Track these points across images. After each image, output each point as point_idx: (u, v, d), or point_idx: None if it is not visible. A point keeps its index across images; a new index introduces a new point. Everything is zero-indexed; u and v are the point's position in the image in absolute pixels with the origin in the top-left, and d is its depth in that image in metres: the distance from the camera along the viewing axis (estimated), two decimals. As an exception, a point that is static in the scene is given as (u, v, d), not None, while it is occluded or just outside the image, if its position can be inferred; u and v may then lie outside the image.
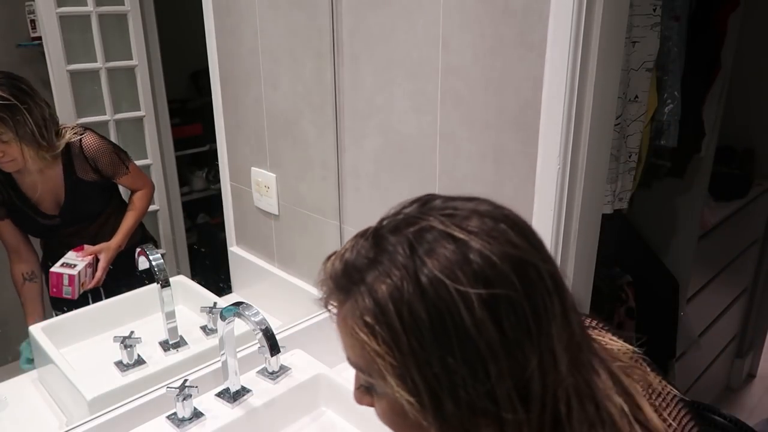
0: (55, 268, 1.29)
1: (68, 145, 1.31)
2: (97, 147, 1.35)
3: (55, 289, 1.29)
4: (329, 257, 0.57)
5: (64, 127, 1.31)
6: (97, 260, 1.35)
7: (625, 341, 0.69)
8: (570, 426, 0.52)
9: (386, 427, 0.58)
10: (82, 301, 1.37)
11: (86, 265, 1.32)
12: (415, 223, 0.53)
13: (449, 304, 0.48)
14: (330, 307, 0.56)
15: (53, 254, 1.36)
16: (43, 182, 1.32)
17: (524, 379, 0.50)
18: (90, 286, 1.33)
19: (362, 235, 0.56)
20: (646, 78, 1.41)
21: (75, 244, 1.35)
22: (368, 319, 0.51)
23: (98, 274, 1.34)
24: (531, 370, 0.49)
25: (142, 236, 1.50)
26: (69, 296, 1.30)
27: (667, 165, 1.70)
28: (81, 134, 1.33)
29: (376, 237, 0.54)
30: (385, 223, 0.55)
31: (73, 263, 1.31)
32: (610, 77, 0.99)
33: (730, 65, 1.83)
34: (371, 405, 0.60)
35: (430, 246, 0.50)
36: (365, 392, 0.59)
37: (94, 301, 1.40)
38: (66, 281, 1.29)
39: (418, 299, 0.49)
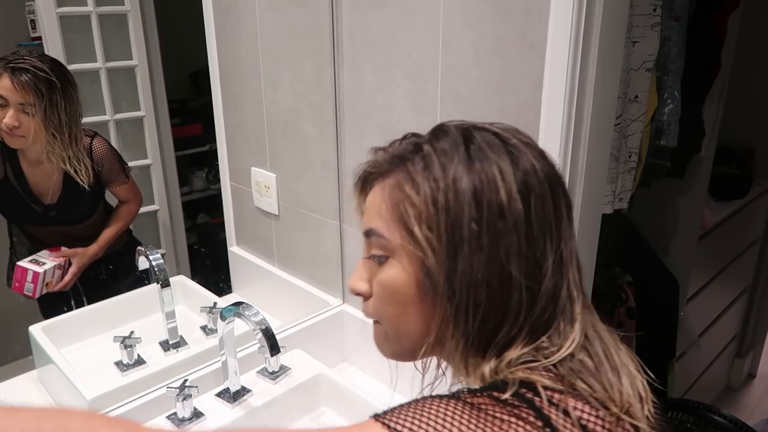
0: (23, 263, 1.26)
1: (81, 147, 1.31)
2: (105, 152, 1.35)
3: (17, 284, 1.25)
4: (378, 148, 0.65)
5: (83, 132, 1.32)
6: (70, 264, 1.34)
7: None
8: (557, 323, 0.57)
9: (381, 310, 0.61)
10: (72, 303, 1.38)
11: (55, 267, 1.29)
12: (468, 124, 0.63)
13: (490, 179, 0.56)
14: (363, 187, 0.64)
15: (32, 250, 1.34)
16: (45, 170, 1.31)
17: (534, 267, 0.56)
18: (56, 288, 1.31)
19: (414, 134, 0.66)
20: (646, 78, 1.41)
21: (55, 244, 1.34)
22: (417, 177, 0.58)
23: (67, 278, 1.32)
24: (545, 264, 0.56)
25: (128, 242, 1.47)
26: (29, 294, 1.26)
27: (667, 165, 1.70)
28: (92, 136, 1.34)
29: (436, 128, 0.64)
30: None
31: (42, 261, 1.28)
32: (610, 77, 0.99)
33: (730, 65, 1.83)
34: (366, 293, 0.62)
35: (483, 137, 0.59)
36: (372, 265, 0.61)
37: (90, 303, 1.40)
38: (29, 278, 1.25)
39: (464, 170, 0.56)
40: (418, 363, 0.69)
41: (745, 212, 2.37)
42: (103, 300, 1.39)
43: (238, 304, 1.08)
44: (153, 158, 1.53)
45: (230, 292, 1.71)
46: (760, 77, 2.38)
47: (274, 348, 1.07)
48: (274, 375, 1.24)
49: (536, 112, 0.98)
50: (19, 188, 1.30)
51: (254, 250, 1.67)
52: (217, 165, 1.65)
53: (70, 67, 1.30)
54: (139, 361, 1.23)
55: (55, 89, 1.21)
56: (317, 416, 1.26)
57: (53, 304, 1.36)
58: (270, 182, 1.53)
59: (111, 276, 1.43)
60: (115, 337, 1.22)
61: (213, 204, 1.71)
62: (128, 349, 1.22)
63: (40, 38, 1.27)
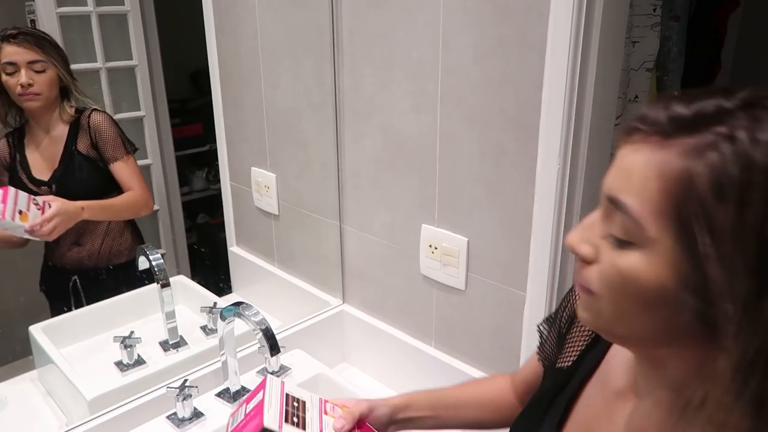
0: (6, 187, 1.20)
1: (79, 115, 1.32)
2: (102, 121, 1.34)
3: None
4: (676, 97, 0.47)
5: (86, 107, 1.34)
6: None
7: None
8: None
9: (604, 291, 0.50)
10: (79, 301, 1.38)
11: (30, 198, 1.20)
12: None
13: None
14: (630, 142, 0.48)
15: None
16: (46, 144, 1.32)
17: None
18: (37, 232, 1.20)
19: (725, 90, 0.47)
20: (646, 78, 1.41)
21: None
22: (725, 169, 0.41)
23: (46, 221, 1.21)
24: None
25: (131, 255, 1.45)
26: None
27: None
28: (95, 110, 1.35)
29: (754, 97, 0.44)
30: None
31: (24, 195, 1.19)
32: (610, 77, 0.99)
33: (730, 65, 1.83)
34: (590, 258, 0.50)
35: None
36: (618, 246, 0.48)
37: (78, 299, 1.40)
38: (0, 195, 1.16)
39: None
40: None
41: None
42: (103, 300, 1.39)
43: (238, 304, 1.08)
44: (153, 158, 1.53)
45: (230, 292, 1.71)
46: (760, 77, 2.38)
47: (274, 348, 1.07)
48: (274, 375, 1.24)
49: (536, 112, 0.98)
50: (19, 166, 1.32)
51: (254, 250, 1.67)
52: (217, 165, 1.65)
53: (71, 67, 1.30)
54: (139, 361, 1.23)
55: (55, 45, 1.26)
56: (317, 416, 1.26)
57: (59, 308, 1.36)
58: (270, 182, 1.53)
59: (115, 289, 1.42)
60: (115, 337, 1.22)
61: (213, 204, 1.71)
62: (128, 349, 1.22)
63: (40, 38, 1.27)
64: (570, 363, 0.69)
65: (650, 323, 0.49)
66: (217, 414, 1.13)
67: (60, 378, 1.18)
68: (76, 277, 1.39)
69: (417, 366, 1.29)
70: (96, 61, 1.38)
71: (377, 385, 1.39)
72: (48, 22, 1.27)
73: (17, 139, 1.31)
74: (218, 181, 1.67)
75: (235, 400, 1.16)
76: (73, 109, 1.31)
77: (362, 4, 1.21)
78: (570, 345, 0.70)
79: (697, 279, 0.44)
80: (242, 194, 1.63)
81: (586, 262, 0.51)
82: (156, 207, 1.56)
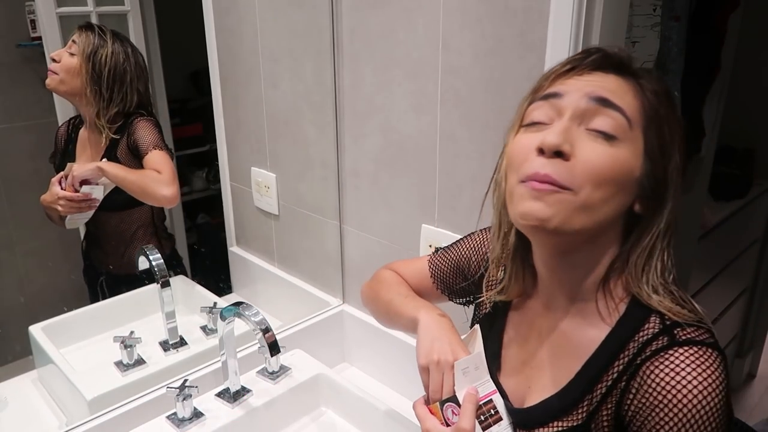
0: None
1: (125, 121, 1.32)
2: (143, 126, 1.33)
3: None
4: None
5: (138, 113, 1.34)
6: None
7: None
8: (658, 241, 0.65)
9: (592, 177, 0.61)
10: (82, 301, 1.37)
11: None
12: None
13: (671, 96, 0.66)
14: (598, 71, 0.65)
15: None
16: (93, 142, 1.33)
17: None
18: (61, 196, 1.26)
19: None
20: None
21: (99, 220, 1.34)
22: (656, 89, 0.65)
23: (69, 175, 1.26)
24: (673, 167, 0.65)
25: (170, 254, 1.48)
26: None
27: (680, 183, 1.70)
28: (143, 117, 1.34)
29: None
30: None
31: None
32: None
33: (730, 65, 1.83)
34: (569, 154, 0.61)
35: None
36: (579, 133, 0.62)
37: (93, 302, 1.40)
38: None
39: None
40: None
41: (745, 212, 2.37)
42: (105, 300, 1.39)
43: (238, 304, 1.07)
44: (153, 158, 1.53)
45: (230, 292, 1.71)
46: (760, 77, 2.38)
47: (274, 348, 1.07)
48: (274, 375, 1.24)
49: (536, 112, 0.98)
50: (68, 158, 1.33)
51: (254, 250, 1.67)
52: (217, 165, 1.65)
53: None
54: (139, 361, 1.23)
55: (104, 42, 1.27)
56: (317, 416, 1.26)
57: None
58: (270, 182, 1.53)
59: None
60: (115, 337, 1.22)
61: (213, 204, 1.71)
62: (128, 349, 1.22)
63: (40, 38, 1.27)
64: (489, 307, 0.82)
65: (611, 208, 0.62)
66: (217, 414, 1.13)
67: (60, 378, 1.18)
68: (103, 278, 1.41)
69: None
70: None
71: (377, 385, 1.39)
72: (48, 22, 1.27)
73: (74, 128, 1.33)
74: (218, 181, 1.66)
75: (235, 400, 1.16)
76: (118, 115, 1.31)
77: (362, 4, 1.21)
78: (490, 283, 0.81)
79: (655, 169, 0.63)
80: (242, 194, 1.63)
81: (566, 159, 0.61)
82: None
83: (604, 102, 0.62)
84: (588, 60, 0.65)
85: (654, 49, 1.40)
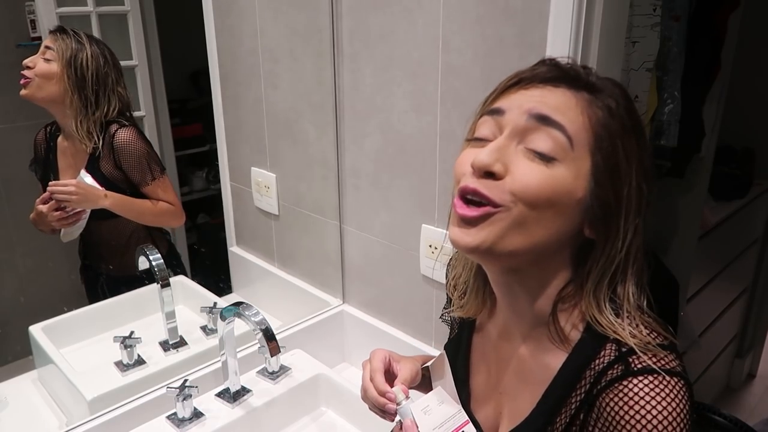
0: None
1: (105, 131, 1.29)
2: (126, 143, 1.29)
3: None
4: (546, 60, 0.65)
5: (116, 121, 1.30)
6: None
7: None
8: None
9: (524, 194, 0.58)
10: (82, 301, 1.38)
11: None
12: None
13: (634, 113, 0.62)
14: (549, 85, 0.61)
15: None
16: (73, 152, 1.30)
17: (634, 191, 0.60)
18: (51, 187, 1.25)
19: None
20: (646, 78, 1.41)
21: (92, 228, 1.33)
22: (611, 104, 0.60)
23: (65, 182, 1.26)
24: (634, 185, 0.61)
25: (167, 253, 1.46)
26: None
27: (667, 165, 1.70)
28: (122, 126, 1.30)
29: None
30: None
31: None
32: (610, 77, 0.99)
33: (730, 65, 1.83)
34: (501, 175, 0.58)
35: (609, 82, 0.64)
36: (514, 153, 0.59)
37: (92, 302, 1.40)
38: None
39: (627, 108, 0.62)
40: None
41: (745, 212, 2.37)
42: (104, 300, 1.39)
43: (238, 304, 1.08)
44: (153, 158, 1.53)
45: (230, 292, 1.71)
46: (760, 77, 2.38)
47: (274, 348, 1.07)
48: (274, 375, 1.24)
49: (536, 112, 0.98)
50: (50, 171, 1.31)
51: (254, 250, 1.67)
52: (217, 165, 1.65)
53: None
54: (139, 361, 1.23)
55: (82, 45, 1.24)
56: (317, 416, 1.26)
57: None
58: (270, 182, 1.53)
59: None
60: (115, 337, 1.22)
61: (213, 204, 1.71)
62: (128, 349, 1.22)
63: (40, 38, 1.27)
64: (456, 331, 0.81)
65: (550, 231, 0.59)
66: (217, 414, 1.13)
67: (60, 378, 1.18)
68: (103, 278, 1.41)
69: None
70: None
71: (377, 385, 1.39)
72: (48, 22, 1.27)
73: (51, 135, 1.30)
74: (218, 181, 1.66)
75: (235, 400, 1.16)
76: (97, 123, 1.28)
77: (362, 4, 1.21)
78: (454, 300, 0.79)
79: (603, 192, 0.59)
80: (242, 194, 1.63)
81: (497, 178, 0.58)
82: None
83: (543, 120, 0.58)
84: (536, 72, 0.62)
85: (654, 49, 1.40)
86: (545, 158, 0.58)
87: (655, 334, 0.60)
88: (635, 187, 0.60)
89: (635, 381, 0.56)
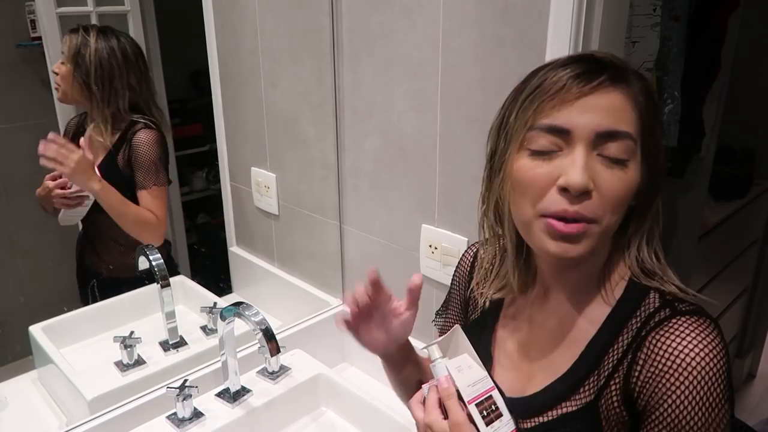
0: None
1: (129, 127, 1.31)
2: (143, 143, 1.32)
3: None
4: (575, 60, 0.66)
5: (143, 121, 1.32)
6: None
7: None
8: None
9: (613, 206, 0.63)
10: (83, 300, 1.38)
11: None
12: None
13: (650, 86, 0.67)
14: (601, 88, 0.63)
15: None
16: (96, 144, 1.32)
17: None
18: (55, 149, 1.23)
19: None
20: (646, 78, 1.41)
21: (95, 220, 1.34)
22: (643, 88, 0.65)
23: (68, 146, 1.23)
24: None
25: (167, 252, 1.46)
26: None
27: (667, 165, 1.70)
28: (147, 127, 1.32)
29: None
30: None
31: None
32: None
33: (730, 65, 1.83)
34: (592, 191, 0.61)
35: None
36: (596, 166, 0.62)
37: (93, 302, 1.40)
38: None
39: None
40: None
41: (745, 212, 2.37)
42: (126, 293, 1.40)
43: (238, 304, 1.08)
44: (153, 158, 1.53)
45: (230, 292, 1.71)
46: (760, 77, 2.38)
47: (274, 348, 1.07)
48: (274, 375, 1.24)
49: (536, 112, 0.98)
50: None
51: (254, 250, 1.67)
52: (217, 165, 1.65)
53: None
54: (139, 361, 1.23)
55: (87, 41, 1.26)
56: (317, 416, 1.26)
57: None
58: (270, 182, 1.53)
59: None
60: (115, 337, 1.22)
61: (213, 204, 1.71)
62: (128, 349, 1.22)
63: (40, 38, 1.27)
64: (479, 313, 0.83)
65: (621, 218, 0.65)
66: (217, 414, 1.13)
67: (60, 378, 1.18)
68: (95, 280, 1.41)
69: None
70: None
71: (377, 385, 1.39)
72: (48, 22, 1.27)
73: (82, 123, 1.33)
74: (218, 181, 1.66)
75: (235, 400, 1.16)
76: (118, 118, 1.30)
77: (362, 4, 1.21)
78: (473, 299, 0.84)
79: (652, 168, 0.65)
80: (242, 194, 1.63)
81: (590, 197, 0.62)
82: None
83: (612, 135, 0.62)
84: (583, 75, 0.63)
85: (654, 49, 1.40)
86: (621, 162, 0.62)
87: (680, 289, 0.67)
88: (663, 149, 0.67)
89: (683, 320, 0.62)
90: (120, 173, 1.32)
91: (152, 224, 1.35)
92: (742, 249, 2.50)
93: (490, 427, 0.69)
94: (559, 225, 0.62)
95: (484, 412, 0.69)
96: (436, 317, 0.94)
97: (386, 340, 0.83)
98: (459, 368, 0.72)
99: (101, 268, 1.41)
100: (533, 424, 0.70)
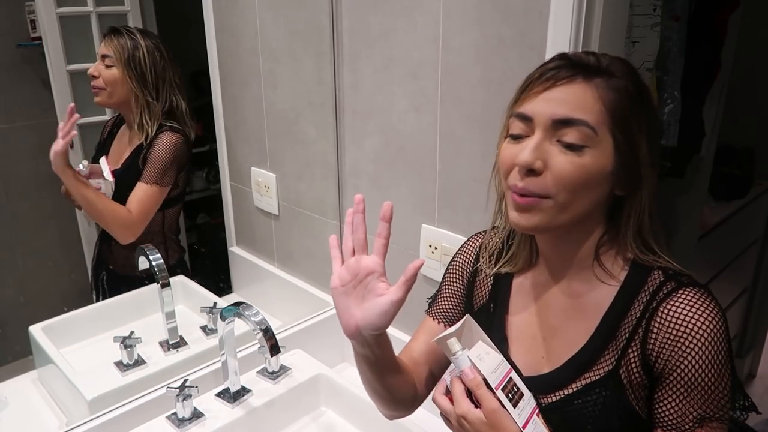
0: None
1: (157, 131, 1.34)
2: (163, 144, 1.34)
3: None
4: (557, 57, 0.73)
5: (169, 123, 1.36)
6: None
7: None
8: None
9: (564, 185, 0.68)
10: (82, 301, 1.38)
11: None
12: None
13: (640, 83, 0.72)
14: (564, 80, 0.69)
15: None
16: (125, 142, 1.36)
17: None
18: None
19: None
20: (647, 78, 1.41)
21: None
22: (619, 85, 0.69)
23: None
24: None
25: (179, 259, 1.48)
26: None
27: (667, 165, 1.70)
28: (172, 130, 1.35)
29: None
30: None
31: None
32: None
33: (730, 65, 1.83)
34: (540, 170, 0.68)
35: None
36: (549, 149, 0.69)
37: (104, 297, 1.40)
38: None
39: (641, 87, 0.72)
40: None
41: (745, 212, 2.37)
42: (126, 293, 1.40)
43: (238, 304, 1.08)
44: (153, 158, 1.53)
45: (230, 292, 1.71)
46: (760, 77, 2.38)
47: (274, 348, 1.07)
48: (274, 375, 1.24)
49: (536, 112, 0.98)
50: (105, 148, 1.38)
51: (254, 250, 1.67)
52: (217, 165, 1.65)
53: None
54: (139, 361, 1.23)
55: (137, 43, 1.29)
56: (317, 416, 1.26)
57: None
58: (270, 182, 1.53)
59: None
60: (115, 337, 1.22)
61: (213, 204, 1.71)
62: (128, 349, 1.22)
63: (40, 38, 1.27)
64: (486, 298, 0.87)
65: (588, 201, 0.70)
66: (217, 414, 1.13)
67: (60, 378, 1.18)
68: (104, 273, 1.42)
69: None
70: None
71: (377, 385, 1.39)
72: (48, 22, 1.27)
73: (116, 123, 1.38)
74: (218, 181, 1.66)
75: (235, 400, 1.16)
76: (156, 117, 1.33)
77: (362, 4, 1.21)
78: (478, 286, 0.88)
79: (626, 159, 0.70)
80: (242, 194, 1.63)
81: (538, 174, 0.69)
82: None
83: (567, 122, 0.68)
84: (551, 71, 0.70)
85: (654, 49, 1.40)
86: (576, 148, 0.68)
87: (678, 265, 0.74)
88: (649, 146, 0.71)
89: (688, 290, 0.69)
90: (138, 170, 1.33)
91: (122, 219, 1.32)
92: (742, 249, 2.50)
93: (517, 408, 0.72)
94: (516, 197, 0.71)
95: (509, 395, 0.72)
96: (430, 307, 0.95)
97: (360, 320, 0.82)
98: (479, 357, 0.74)
99: (114, 266, 1.41)
100: (557, 397, 0.76)
